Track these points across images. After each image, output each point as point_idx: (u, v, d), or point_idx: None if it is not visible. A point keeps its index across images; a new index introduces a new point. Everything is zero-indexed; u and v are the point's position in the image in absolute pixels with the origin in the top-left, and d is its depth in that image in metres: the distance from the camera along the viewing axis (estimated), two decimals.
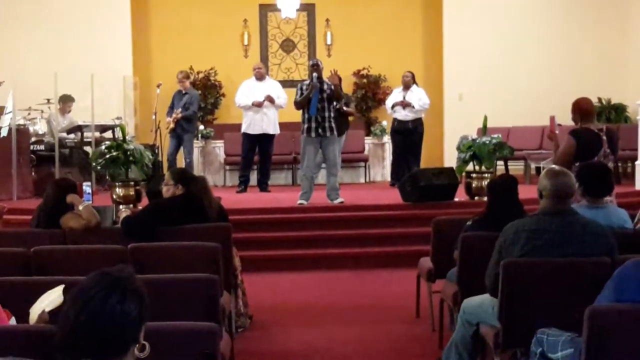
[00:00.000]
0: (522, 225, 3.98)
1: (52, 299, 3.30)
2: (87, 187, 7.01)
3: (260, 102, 11.03)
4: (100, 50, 13.12)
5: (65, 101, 11.68)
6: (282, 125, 11.82)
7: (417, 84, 11.55)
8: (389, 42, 14.07)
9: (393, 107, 11.42)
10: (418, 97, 11.33)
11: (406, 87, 11.42)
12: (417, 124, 11.38)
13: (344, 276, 7.84)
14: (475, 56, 13.60)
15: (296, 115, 9.89)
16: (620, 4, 13.60)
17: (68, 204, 5.41)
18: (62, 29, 13.21)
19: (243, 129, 11.27)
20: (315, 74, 9.33)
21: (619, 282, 3.13)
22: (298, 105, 9.45)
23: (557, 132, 6.22)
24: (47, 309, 3.23)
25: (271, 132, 11.18)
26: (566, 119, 6.92)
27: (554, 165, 4.76)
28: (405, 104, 11.27)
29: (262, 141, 11.20)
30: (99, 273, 2.15)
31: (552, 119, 6.30)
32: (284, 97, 11.28)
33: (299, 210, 9.23)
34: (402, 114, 11.34)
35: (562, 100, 11.42)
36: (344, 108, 9.63)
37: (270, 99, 11.06)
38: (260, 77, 11.31)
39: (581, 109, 6.06)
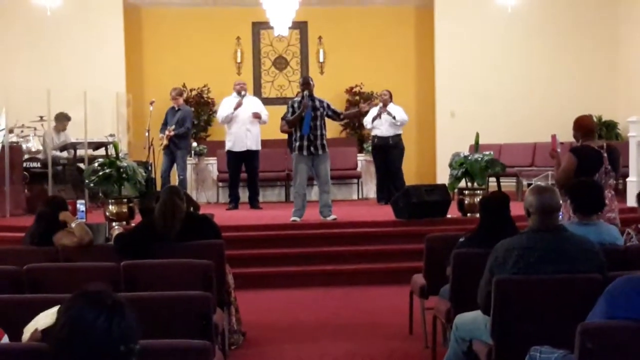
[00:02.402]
0: (512, 244, 3.99)
1: (47, 318, 3.30)
2: (81, 205, 7.01)
3: (240, 102, 11.00)
4: (93, 67, 13.15)
5: (61, 120, 11.69)
6: (275, 142, 11.83)
7: (393, 102, 11.60)
8: (381, 59, 14.14)
9: (373, 120, 11.46)
10: (396, 113, 11.41)
11: (384, 105, 11.49)
12: (397, 139, 11.44)
13: (336, 293, 7.83)
14: (466, 74, 13.67)
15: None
16: (609, 22, 13.70)
17: (61, 222, 5.42)
18: (55, 46, 13.25)
19: (227, 147, 11.26)
20: (306, 92, 9.38)
21: (610, 298, 3.13)
22: (290, 124, 9.46)
23: (559, 150, 6.25)
24: (41, 328, 3.22)
25: (255, 148, 11.18)
26: (560, 136, 6.94)
27: (539, 182, 4.80)
28: (384, 109, 11.31)
29: (247, 158, 11.20)
30: (86, 295, 2.16)
31: (554, 137, 6.32)
32: (266, 113, 11.31)
33: (292, 227, 9.23)
34: (382, 130, 11.41)
35: (553, 118, 11.55)
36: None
37: (257, 116, 11.09)
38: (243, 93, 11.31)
39: (582, 126, 6.10)
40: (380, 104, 11.59)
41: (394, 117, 11.33)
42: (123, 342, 2.09)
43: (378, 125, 11.46)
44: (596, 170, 5.79)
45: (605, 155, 5.90)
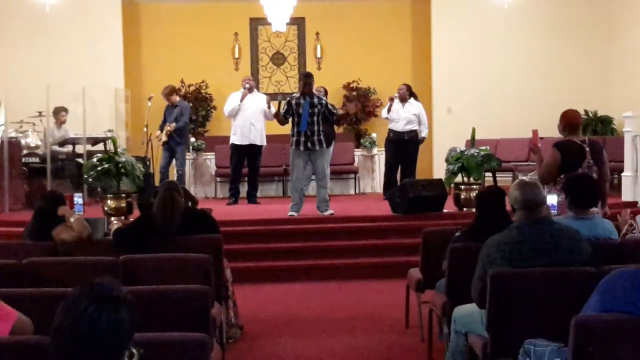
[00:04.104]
0: (503, 239, 4.03)
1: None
2: (78, 197, 7.02)
3: (245, 93, 11.05)
4: (91, 63, 13.16)
5: (58, 112, 11.71)
6: (273, 138, 11.84)
7: (415, 97, 11.39)
8: (379, 55, 14.16)
9: (388, 111, 11.19)
10: (417, 111, 11.22)
11: (402, 99, 11.22)
12: (413, 135, 11.26)
13: (333, 287, 7.88)
14: (463, 69, 13.70)
15: (287, 128, 9.92)
16: (606, 18, 13.73)
17: (60, 217, 5.45)
18: (53, 42, 13.25)
19: (231, 140, 11.27)
20: (294, 96, 9.52)
21: (604, 292, 3.15)
22: (281, 122, 9.61)
23: (539, 145, 6.25)
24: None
25: (259, 143, 11.19)
26: (552, 132, 6.97)
27: (523, 177, 4.82)
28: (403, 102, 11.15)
29: (250, 152, 11.21)
30: (88, 285, 2.20)
31: (535, 132, 6.32)
32: (272, 110, 11.33)
33: (290, 222, 9.27)
34: (399, 126, 11.20)
35: (549, 113, 11.50)
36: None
37: (268, 102, 11.15)
38: (250, 89, 11.35)
39: (567, 120, 6.05)
40: (396, 95, 11.41)
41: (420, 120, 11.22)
42: (110, 335, 2.12)
43: (395, 119, 11.23)
44: (579, 164, 5.78)
45: (588, 149, 5.91)
